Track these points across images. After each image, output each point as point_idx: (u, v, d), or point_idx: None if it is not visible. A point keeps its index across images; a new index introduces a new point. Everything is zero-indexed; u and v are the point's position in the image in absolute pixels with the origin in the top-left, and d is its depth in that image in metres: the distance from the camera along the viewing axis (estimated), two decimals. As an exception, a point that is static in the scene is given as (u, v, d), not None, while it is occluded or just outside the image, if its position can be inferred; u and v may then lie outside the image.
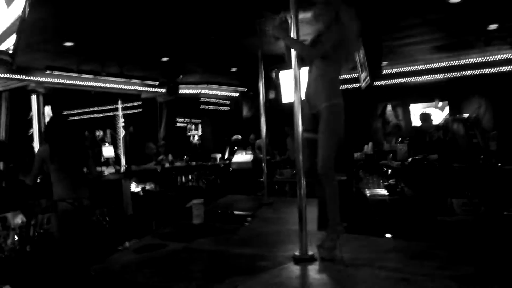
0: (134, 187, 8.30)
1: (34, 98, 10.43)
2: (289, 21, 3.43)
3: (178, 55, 9.74)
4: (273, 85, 9.76)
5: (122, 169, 9.07)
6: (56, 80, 10.32)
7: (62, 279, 3.74)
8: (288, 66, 3.46)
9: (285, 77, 9.79)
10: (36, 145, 10.06)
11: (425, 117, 7.16)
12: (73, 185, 4.63)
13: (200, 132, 14.27)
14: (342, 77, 11.86)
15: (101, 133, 13.43)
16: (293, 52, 3.41)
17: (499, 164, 5.77)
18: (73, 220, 4.54)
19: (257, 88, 6.38)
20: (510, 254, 3.40)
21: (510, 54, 10.13)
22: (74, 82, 10.56)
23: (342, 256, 3.18)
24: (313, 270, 2.99)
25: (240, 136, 11.71)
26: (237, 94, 14.20)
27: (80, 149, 4.78)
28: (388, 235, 4.51)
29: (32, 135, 10.29)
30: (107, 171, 8.92)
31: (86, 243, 4.55)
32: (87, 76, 10.21)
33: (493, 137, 6.24)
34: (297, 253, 3.29)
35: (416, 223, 5.04)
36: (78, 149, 4.72)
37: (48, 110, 10.90)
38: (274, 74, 9.75)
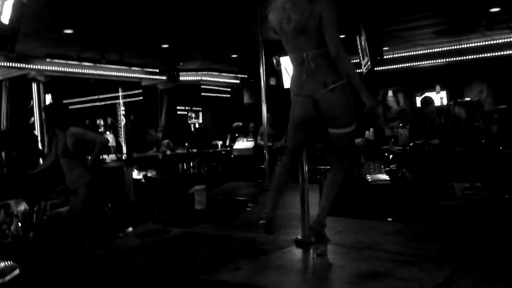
0: (136, 175, 8.31)
1: (34, 86, 10.40)
2: None
3: (178, 42, 9.69)
4: (274, 71, 9.71)
5: (124, 157, 9.07)
6: (56, 68, 10.28)
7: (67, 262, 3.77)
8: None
9: (286, 63, 9.75)
10: (37, 133, 10.06)
11: (426, 101, 7.14)
12: None
13: (200, 120, 14.25)
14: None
15: (102, 121, 13.42)
16: None
17: (501, 147, 5.76)
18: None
19: (258, 74, 6.35)
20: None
21: (511, 38, 10.05)
22: (74, 70, 10.52)
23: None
24: (315, 253, 3.00)
25: (241, 123, 11.69)
26: (238, 81, 14.14)
27: None
28: (389, 219, 4.52)
29: (33, 123, 10.29)
30: (109, 158, 8.93)
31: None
32: (87, 64, 10.16)
33: (495, 120, 6.22)
34: (299, 236, 3.31)
35: (417, 207, 5.05)
36: None
37: (49, 99, 10.88)
38: (275, 60, 9.70)
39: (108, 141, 4.56)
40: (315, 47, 2.83)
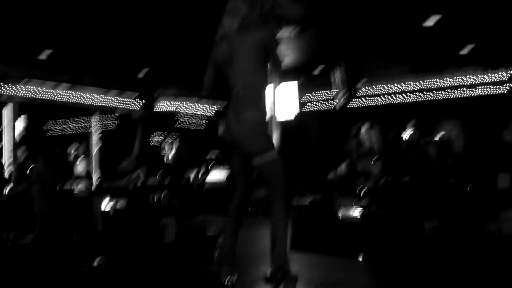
0: (106, 202, 8.16)
1: (5, 109, 10.16)
2: None
3: (155, 71, 9.71)
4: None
5: (93, 187, 8.92)
6: (30, 91, 10.09)
7: None
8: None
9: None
10: (5, 160, 9.72)
11: (398, 138, 7.25)
12: None
13: (175, 150, 14.14)
14: (317, 96, 11.80)
15: (73, 149, 13.16)
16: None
17: (469, 187, 5.85)
18: None
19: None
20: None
21: (483, 77, 10.30)
22: (48, 94, 10.34)
23: None
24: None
25: (217, 154, 11.64)
26: (217, 108, 14.01)
27: None
28: (360, 257, 4.51)
29: (1, 149, 9.96)
30: (79, 187, 8.73)
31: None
32: (61, 89, 10.03)
33: (464, 159, 6.34)
34: (268, 274, 3.24)
35: (387, 245, 5.06)
36: None
37: (20, 122, 10.63)
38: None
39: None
40: (249, 76, 2.98)
